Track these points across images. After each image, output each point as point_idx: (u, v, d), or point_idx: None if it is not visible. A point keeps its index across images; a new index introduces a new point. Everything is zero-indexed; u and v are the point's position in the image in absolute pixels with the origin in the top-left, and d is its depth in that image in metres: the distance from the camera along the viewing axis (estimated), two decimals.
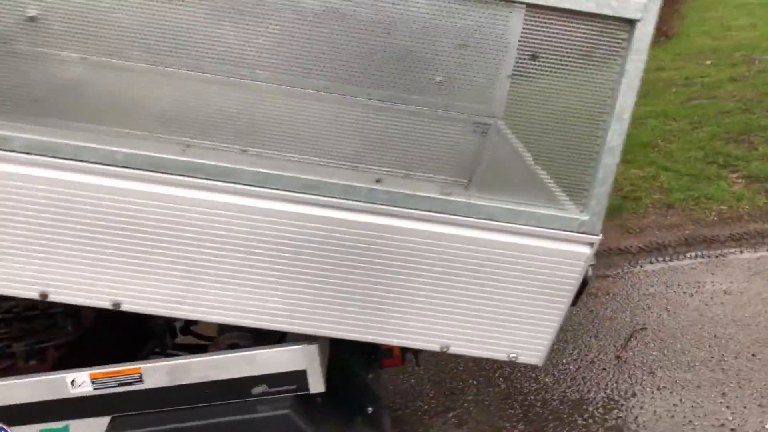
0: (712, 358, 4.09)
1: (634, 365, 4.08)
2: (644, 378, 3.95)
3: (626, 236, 5.80)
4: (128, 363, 2.44)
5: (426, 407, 3.87)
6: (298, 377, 2.41)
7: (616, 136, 2.09)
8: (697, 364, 4.04)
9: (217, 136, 2.54)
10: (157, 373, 2.41)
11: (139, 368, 2.41)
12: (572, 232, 2.19)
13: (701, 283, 4.96)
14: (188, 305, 2.26)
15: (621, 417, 3.64)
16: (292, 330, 2.30)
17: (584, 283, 2.29)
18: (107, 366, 2.43)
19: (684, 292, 4.86)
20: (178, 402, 2.45)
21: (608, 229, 5.87)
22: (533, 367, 4.15)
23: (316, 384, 2.42)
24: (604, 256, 5.52)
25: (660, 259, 5.43)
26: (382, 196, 2.17)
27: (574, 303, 2.38)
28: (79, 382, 2.43)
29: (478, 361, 4.26)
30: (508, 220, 2.18)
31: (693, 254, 5.46)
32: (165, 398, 2.44)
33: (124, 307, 2.28)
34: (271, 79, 2.98)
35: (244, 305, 2.26)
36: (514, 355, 2.32)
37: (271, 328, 2.30)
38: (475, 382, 4.07)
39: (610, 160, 2.11)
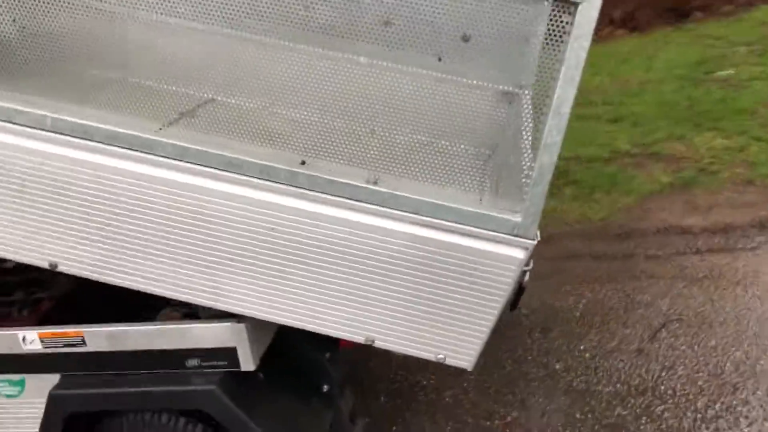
0: (747, 359, 3.73)
1: (656, 360, 3.79)
2: (662, 375, 3.66)
3: (691, 214, 5.35)
4: (73, 326, 2.48)
5: (425, 383, 3.77)
6: (229, 354, 2.37)
7: (553, 132, 1.84)
8: (727, 365, 3.70)
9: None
10: (98, 337, 2.44)
11: (82, 332, 2.45)
12: (504, 234, 1.98)
13: (759, 274, 4.51)
14: (115, 272, 2.25)
15: (622, 416, 3.40)
16: (217, 307, 2.25)
17: (521, 289, 2.09)
18: (54, 327, 2.48)
19: (737, 283, 4.44)
20: (119, 367, 2.47)
21: (672, 204, 5.45)
22: (545, 352, 3.94)
23: (247, 362, 2.38)
24: (659, 234, 5.13)
25: (722, 242, 4.97)
26: (303, 180, 2.05)
27: (512, 308, 2.19)
28: (30, 339, 2.50)
29: (491, 340, 4.09)
30: (433, 215, 2.00)
31: (762, 240, 4.96)
32: (107, 362, 2.47)
33: (61, 269, 2.30)
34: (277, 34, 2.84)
35: (168, 276, 2.22)
36: (441, 356, 2.17)
37: (196, 303, 2.25)
38: (481, 361, 3.91)
39: (546, 159, 1.87)
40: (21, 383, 2.61)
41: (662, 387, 3.58)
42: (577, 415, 3.43)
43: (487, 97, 2.68)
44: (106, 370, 2.49)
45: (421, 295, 2.10)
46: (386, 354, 2.73)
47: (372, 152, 2.12)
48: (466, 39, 1.98)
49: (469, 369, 2.18)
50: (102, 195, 2.17)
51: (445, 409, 3.55)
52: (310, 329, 2.23)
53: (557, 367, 3.81)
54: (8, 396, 2.64)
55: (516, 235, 1.97)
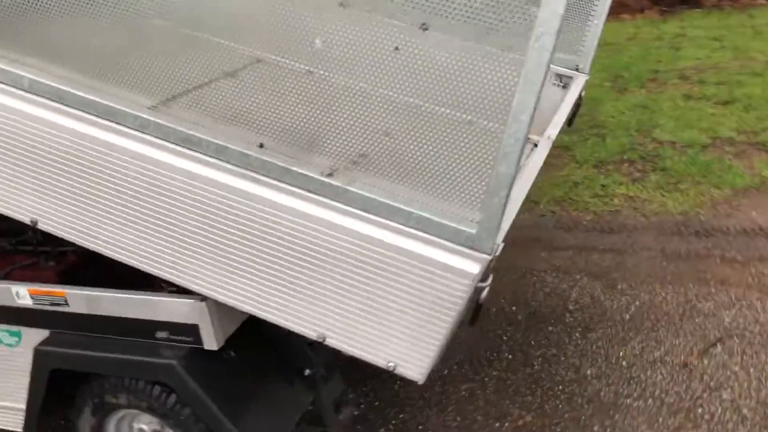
0: None
1: (701, 378, 3.44)
2: (703, 395, 3.32)
3: None
4: (59, 285, 2.51)
5: (446, 372, 3.61)
6: (193, 330, 2.33)
7: (511, 141, 1.62)
8: None
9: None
10: (77, 299, 2.46)
11: (65, 292, 2.48)
12: (458, 245, 1.79)
13: None
14: (85, 235, 2.25)
15: None
16: (179, 283, 2.20)
17: (479, 305, 1.89)
18: (42, 285, 2.53)
19: None
20: (97, 330, 2.49)
21: (764, 203, 4.91)
22: (581, 354, 3.68)
23: (210, 341, 2.33)
24: (743, 235, 4.64)
25: None
26: (256, 164, 1.93)
27: (471, 323, 1.99)
28: (22, 294, 2.56)
29: (526, 334, 3.88)
30: (383, 216, 1.84)
31: None
32: (86, 324, 2.49)
33: (41, 227, 2.33)
34: None
35: (130, 245, 2.19)
36: (392, 364, 2.01)
37: (159, 276, 2.21)
38: (510, 356, 3.71)
39: (503, 169, 1.65)
40: (18, 334, 2.69)
41: (700, 409, 3.25)
42: (596, 428, 3.18)
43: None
44: (85, 332, 2.52)
45: (371, 297, 1.95)
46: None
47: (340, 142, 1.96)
48: (425, 28, 1.77)
49: (420, 382, 2.01)
50: (70, 158, 2.17)
51: (457, 403, 3.39)
52: (262, 317, 2.14)
53: (589, 372, 3.54)
54: (8, 345, 2.73)
55: (470, 248, 1.77)
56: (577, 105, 3.39)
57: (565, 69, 3.36)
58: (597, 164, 5.80)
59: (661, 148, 5.95)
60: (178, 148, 2.01)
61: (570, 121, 3.47)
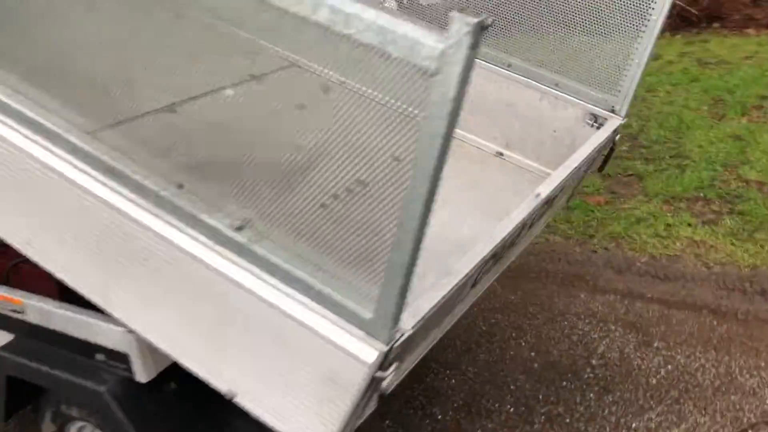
0: None
1: None
2: None
3: None
4: (18, 292, 2.49)
5: (439, 416, 3.40)
6: (125, 359, 2.24)
7: (405, 231, 1.40)
8: None
9: None
10: (31, 310, 2.44)
11: (22, 301, 2.45)
12: (357, 327, 1.59)
13: None
14: (19, 240, 2.19)
15: None
16: (107, 310, 2.11)
17: (380, 395, 1.69)
18: (4, 289, 2.52)
19: None
20: (52, 342, 2.45)
21: None
22: (589, 419, 3.36)
23: (140, 372, 2.24)
24: None
25: None
26: (167, 207, 1.80)
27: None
28: None
29: (536, 386, 3.59)
30: (284, 282, 1.67)
31: None
32: (43, 335, 2.46)
33: None
34: None
35: (60, 258, 2.12)
36: None
37: (88, 298, 2.12)
38: (512, 409, 3.45)
39: (397, 258, 1.44)
40: None
41: None
42: None
43: None
44: (43, 342, 2.48)
45: (276, 365, 1.79)
46: None
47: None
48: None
49: None
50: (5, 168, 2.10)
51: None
52: (176, 360, 2.02)
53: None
54: None
55: (368, 334, 1.57)
56: (611, 150, 3.07)
57: (600, 109, 3.03)
58: (668, 199, 5.32)
59: (745, 188, 5.39)
60: (103, 178, 1.91)
61: (601, 167, 3.16)
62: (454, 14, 1.17)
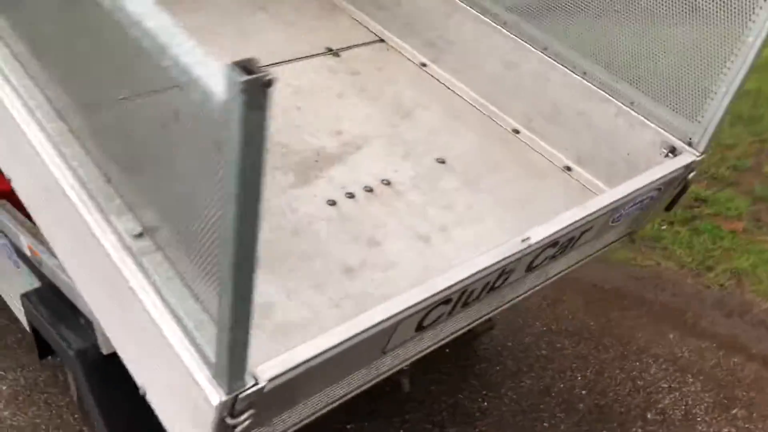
0: None
1: None
2: None
3: None
4: (40, 245, 2.64)
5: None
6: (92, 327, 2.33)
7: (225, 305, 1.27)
8: None
9: None
10: (44, 265, 2.58)
11: (38, 252, 2.61)
12: (207, 367, 1.50)
13: None
14: None
15: None
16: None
17: None
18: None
19: None
20: (60, 297, 2.58)
21: None
22: None
23: (103, 344, 2.30)
24: None
25: None
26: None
27: None
28: None
29: (571, 430, 3.27)
30: (162, 302, 1.60)
31: None
32: (55, 289, 2.60)
33: None
34: None
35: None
36: None
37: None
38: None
39: (225, 336, 1.32)
40: None
41: None
42: None
43: None
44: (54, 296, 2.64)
45: (160, 375, 1.77)
46: None
47: None
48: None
49: None
50: None
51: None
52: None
53: None
54: None
55: (214, 377, 1.48)
56: (682, 189, 2.63)
57: (676, 139, 2.59)
58: None
59: None
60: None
61: (669, 206, 2.73)
62: (230, 66, 0.99)
